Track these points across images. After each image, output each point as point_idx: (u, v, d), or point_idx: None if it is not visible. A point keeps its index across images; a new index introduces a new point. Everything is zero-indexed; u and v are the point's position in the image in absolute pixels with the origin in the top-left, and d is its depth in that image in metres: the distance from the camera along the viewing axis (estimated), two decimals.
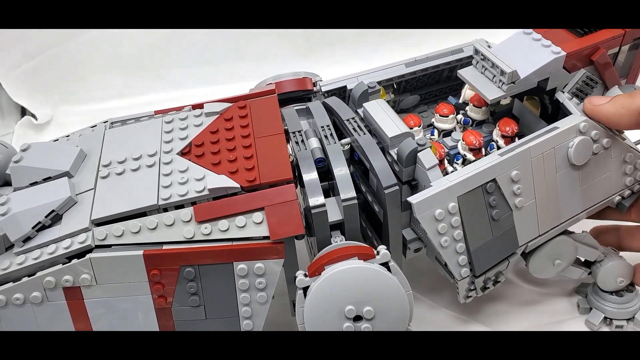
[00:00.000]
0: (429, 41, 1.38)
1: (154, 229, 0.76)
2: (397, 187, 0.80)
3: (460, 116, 0.98)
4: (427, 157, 0.81)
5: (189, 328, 0.80)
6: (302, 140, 0.87)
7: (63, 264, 0.75)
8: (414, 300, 0.77)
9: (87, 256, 0.74)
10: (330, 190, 0.87)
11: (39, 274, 0.75)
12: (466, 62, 1.00)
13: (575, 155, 0.86)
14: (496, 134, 0.93)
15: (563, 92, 0.90)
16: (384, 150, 0.85)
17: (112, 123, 0.93)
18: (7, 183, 0.85)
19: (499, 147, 0.92)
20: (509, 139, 0.92)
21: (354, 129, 0.87)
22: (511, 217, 0.85)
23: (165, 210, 0.78)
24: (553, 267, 0.95)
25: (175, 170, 0.81)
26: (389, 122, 0.86)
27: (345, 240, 0.81)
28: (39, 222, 0.76)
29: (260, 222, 0.76)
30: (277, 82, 0.99)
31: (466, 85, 0.96)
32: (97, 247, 0.76)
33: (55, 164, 0.82)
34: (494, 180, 0.82)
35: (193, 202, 0.78)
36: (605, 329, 1.01)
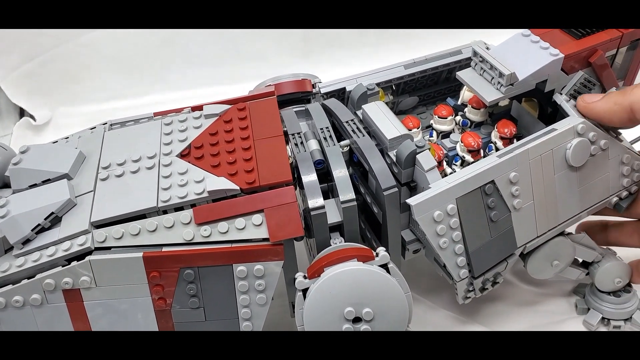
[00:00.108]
0: (429, 42, 1.38)
1: (154, 231, 0.76)
2: (396, 189, 0.80)
3: (458, 118, 0.98)
4: (426, 159, 0.81)
5: (189, 329, 0.80)
6: (302, 142, 0.87)
7: (62, 266, 0.75)
8: (413, 301, 0.77)
9: (87, 258, 0.74)
10: (329, 192, 0.87)
11: (38, 276, 0.75)
12: (465, 63, 1.00)
13: (573, 156, 0.86)
14: (494, 136, 0.94)
15: (561, 94, 0.90)
16: (383, 152, 0.85)
17: (111, 125, 0.92)
18: (6, 185, 0.85)
19: (497, 149, 0.92)
20: (508, 141, 0.92)
21: (353, 130, 0.87)
22: (509, 219, 0.85)
23: (165, 212, 0.78)
24: (551, 268, 0.96)
25: (175, 172, 0.81)
26: (388, 124, 0.86)
27: (345, 241, 0.81)
28: (39, 225, 0.76)
29: (260, 224, 0.76)
30: (276, 83, 0.99)
31: (465, 86, 0.96)
32: (97, 249, 0.75)
33: (54, 166, 0.82)
34: (492, 182, 0.82)
35: (192, 204, 0.78)
36: (603, 329, 1.02)
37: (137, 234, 0.76)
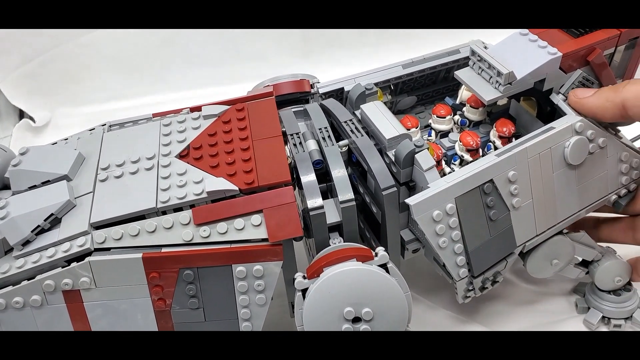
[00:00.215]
0: (428, 42, 1.37)
1: (153, 231, 0.76)
2: (395, 189, 0.81)
3: (457, 117, 0.98)
4: (425, 159, 0.81)
5: (188, 330, 0.80)
6: (300, 143, 0.87)
7: (62, 267, 0.75)
8: (413, 300, 0.77)
9: (87, 259, 0.74)
10: (328, 192, 0.87)
11: (38, 277, 0.75)
12: (463, 63, 1.00)
13: (571, 155, 0.86)
14: (493, 135, 0.94)
15: (558, 94, 0.90)
16: (382, 152, 0.85)
17: (110, 126, 0.93)
18: (6, 187, 0.85)
19: (496, 148, 0.92)
20: (506, 140, 0.92)
21: (351, 130, 0.87)
22: (509, 218, 0.85)
23: (164, 213, 0.78)
24: (551, 266, 0.96)
25: (174, 173, 0.81)
26: (387, 124, 0.86)
27: (344, 241, 0.81)
28: (38, 226, 0.76)
29: (259, 225, 0.76)
30: (274, 84, 0.99)
31: (463, 86, 0.96)
32: (96, 250, 0.76)
33: (53, 167, 0.82)
34: (491, 181, 0.82)
35: (192, 205, 0.78)
36: (604, 328, 1.02)
37: (136, 235, 0.76)
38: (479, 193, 0.82)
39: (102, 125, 0.93)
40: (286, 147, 0.86)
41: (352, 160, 0.91)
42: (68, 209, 0.78)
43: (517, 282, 1.11)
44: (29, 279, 0.76)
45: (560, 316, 1.05)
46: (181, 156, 0.83)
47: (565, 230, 0.95)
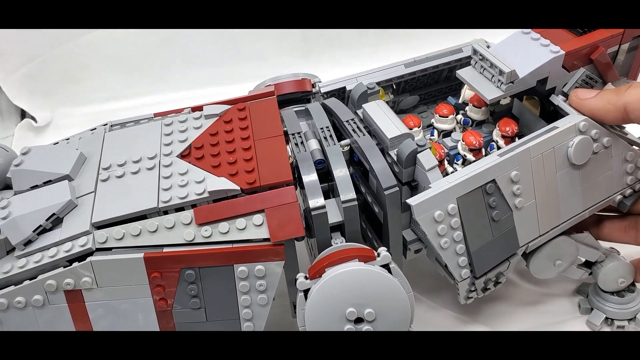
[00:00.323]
0: (428, 42, 1.37)
1: (155, 231, 0.77)
2: (397, 188, 0.81)
3: (460, 116, 0.99)
4: (427, 158, 0.82)
5: (190, 330, 0.80)
6: (302, 142, 0.88)
7: (64, 267, 0.76)
8: (415, 301, 0.78)
9: (88, 259, 0.75)
10: (330, 191, 0.88)
11: (40, 277, 0.76)
12: (465, 62, 1.01)
13: (575, 154, 0.86)
14: (496, 134, 0.94)
15: (558, 95, 0.90)
16: (384, 152, 0.86)
17: (111, 126, 0.93)
18: (8, 186, 0.86)
19: (499, 147, 0.92)
20: (509, 139, 0.92)
21: (353, 130, 0.88)
22: (511, 218, 0.86)
23: (166, 212, 0.79)
24: (554, 267, 0.96)
25: (175, 172, 0.81)
26: (389, 123, 0.86)
27: (346, 241, 0.81)
28: (40, 226, 0.77)
29: (261, 224, 0.77)
30: (276, 83, 1.00)
31: (465, 85, 0.96)
32: (98, 250, 0.76)
33: (55, 167, 0.83)
34: (493, 181, 0.83)
35: (193, 205, 0.79)
36: (607, 329, 1.02)
37: (138, 235, 0.77)
38: (481, 193, 0.82)
39: (104, 125, 0.93)
40: (288, 146, 0.86)
41: (354, 159, 0.91)
42: (70, 209, 0.79)
43: (519, 282, 1.11)
44: (30, 279, 0.76)
45: (563, 317, 1.05)
46: (183, 156, 0.84)
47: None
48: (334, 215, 0.81)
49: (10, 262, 0.77)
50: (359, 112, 0.93)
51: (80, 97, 1.67)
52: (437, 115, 0.98)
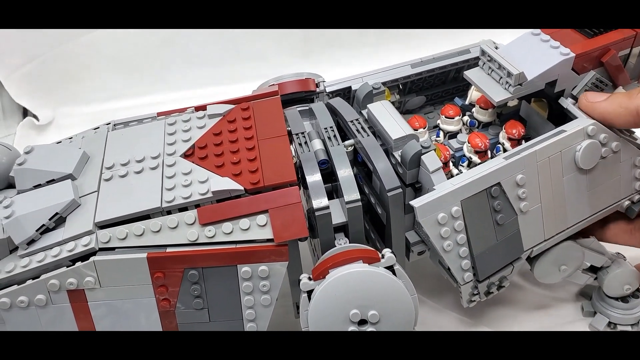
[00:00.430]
0: (428, 42, 1.41)
1: (158, 231, 0.79)
2: (400, 190, 0.83)
3: (466, 118, 1.00)
4: (431, 160, 0.83)
5: (193, 330, 0.82)
6: (305, 142, 0.90)
7: (67, 267, 0.78)
8: (419, 302, 0.79)
9: (91, 259, 0.77)
10: (333, 192, 0.89)
11: (43, 276, 0.78)
12: (473, 63, 1.03)
13: (582, 159, 0.88)
14: (502, 137, 0.95)
15: (567, 98, 0.91)
16: (388, 152, 0.87)
17: (114, 125, 0.95)
18: (11, 185, 0.88)
19: (505, 150, 0.93)
20: (516, 142, 0.93)
21: (357, 130, 0.89)
22: (516, 222, 0.87)
23: (169, 212, 0.81)
24: (559, 272, 0.98)
25: (179, 172, 0.83)
26: (393, 124, 0.88)
27: (350, 242, 0.83)
28: (43, 225, 0.79)
29: (264, 225, 0.79)
30: (279, 83, 1.01)
31: (473, 86, 0.97)
32: (101, 249, 0.78)
33: (58, 166, 0.85)
34: (498, 184, 0.84)
35: (197, 205, 0.81)
36: None
37: (141, 235, 0.79)
38: (485, 196, 0.84)
39: (107, 124, 0.95)
40: (291, 146, 0.88)
41: (358, 160, 0.92)
42: (73, 208, 0.81)
43: (523, 284, 1.13)
44: (33, 278, 0.78)
45: (566, 319, 1.08)
46: (186, 155, 0.86)
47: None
48: (338, 216, 0.83)
49: (13, 262, 0.79)
50: (364, 112, 0.94)
51: (80, 96, 1.70)
52: (443, 116, 0.99)
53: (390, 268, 0.77)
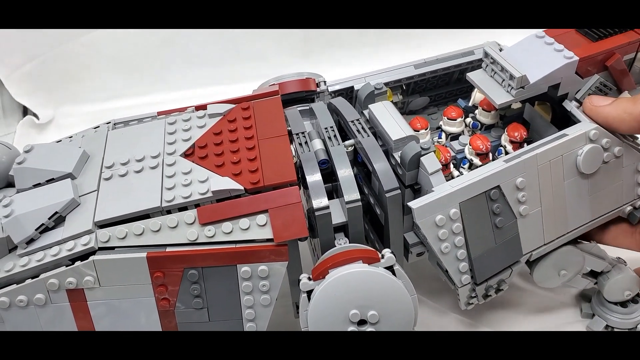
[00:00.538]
0: (428, 42, 1.45)
1: (157, 231, 0.81)
2: (398, 191, 0.84)
3: (469, 119, 1.02)
4: (430, 162, 0.85)
5: (192, 330, 0.85)
6: (306, 142, 0.92)
7: (66, 266, 0.80)
8: (419, 303, 0.81)
9: (91, 258, 0.79)
10: (333, 192, 0.91)
11: (42, 276, 0.80)
12: (477, 64, 1.05)
13: (584, 163, 0.89)
14: (504, 139, 0.97)
15: (572, 101, 0.92)
16: (388, 153, 0.89)
17: (114, 124, 0.97)
18: (11, 184, 0.90)
19: (507, 153, 0.96)
20: (517, 145, 0.95)
21: (357, 130, 0.91)
22: (515, 225, 0.89)
23: (169, 212, 0.82)
24: (558, 277, 1.00)
25: (179, 172, 0.85)
26: (394, 125, 0.90)
27: (349, 242, 0.85)
28: (42, 224, 0.81)
29: (264, 225, 0.81)
30: (280, 82, 1.04)
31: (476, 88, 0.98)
32: (100, 249, 0.80)
33: (58, 165, 0.87)
34: (498, 187, 0.86)
35: (196, 204, 0.82)
36: None
37: (140, 234, 0.81)
38: (484, 199, 0.86)
39: (107, 124, 0.97)
40: (292, 146, 0.90)
41: (358, 160, 0.94)
42: (72, 208, 0.83)
43: (524, 285, 1.15)
44: (32, 278, 0.80)
45: (566, 320, 1.10)
46: (186, 155, 0.88)
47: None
48: (338, 216, 0.85)
49: (12, 261, 0.81)
50: (365, 112, 0.96)
51: (80, 96, 1.73)
52: (446, 117, 1.01)
53: (390, 268, 0.79)
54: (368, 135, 0.90)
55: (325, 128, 0.93)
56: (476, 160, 0.96)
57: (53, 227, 0.83)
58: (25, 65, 1.69)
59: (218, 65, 1.78)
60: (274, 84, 1.04)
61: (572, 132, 0.90)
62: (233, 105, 0.95)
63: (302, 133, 0.94)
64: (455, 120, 1.01)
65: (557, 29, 0.94)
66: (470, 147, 0.96)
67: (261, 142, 0.89)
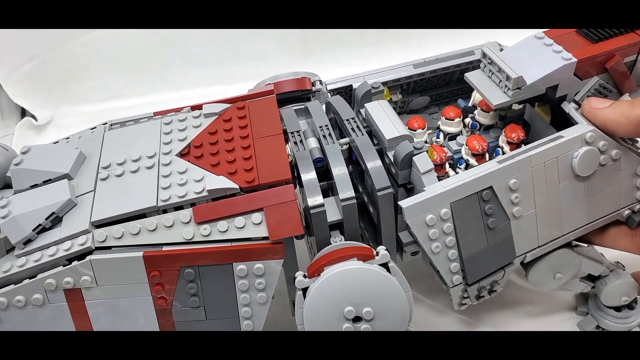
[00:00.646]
0: (428, 42, 1.47)
1: (154, 230, 0.83)
2: (390, 190, 0.86)
3: (468, 120, 1.04)
4: (422, 161, 0.87)
5: (189, 329, 0.87)
6: (301, 141, 0.93)
7: (64, 266, 0.82)
8: (415, 301, 0.82)
9: (88, 258, 0.81)
10: (329, 190, 0.93)
11: (39, 276, 0.82)
12: (476, 65, 1.05)
13: (579, 165, 0.91)
14: (502, 140, 0.99)
15: (570, 102, 0.94)
16: (383, 152, 0.91)
17: (111, 125, 1.00)
18: (8, 185, 0.92)
19: (504, 154, 0.96)
20: (515, 146, 0.97)
21: (352, 129, 0.93)
22: (508, 227, 0.91)
23: (165, 211, 0.85)
24: (554, 280, 1.01)
25: (175, 171, 0.87)
26: (389, 124, 0.92)
27: (345, 240, 0.87)
28: (40, 225, 0.84)
29: (260, 223, 0.83)
30: (275, 82, 1.06)
31: None
32: (97, 249, 0.83)
33: (55, 166, 0.89)
34: (490, 188, 0.87)
35: (192, 203, 0.85)
36: None
37: (137, 234, 0.83)
38: (476, 200, 0.87)
39: (104, 124, 0.99)
40: (287, 145, 0.93)
41: (353, 159, 0.97)
42: (69, 208, 0.85)
43: (522, 284, 1.17)
44: (30, 278, 0.82)
45: (564, 319, 1.12)
46: (182, 154, 0.90)
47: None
48: (333, 214, 0.87)
49: (9, 261, 0.83)
50: (362, 111, 0.98)
51: (80, 96, 1.76)
52: (444, 117, 1.03)
53: (384, 265, 0.81)
54: (362, 134, 0.92)
55: (320, 127, 0.94)
56: (472, 161, 0.97)
57: (50, 228, 0.85)
58: (25, 65, 1.72)
59: (218, 65, 1.81)
60: (269, 84, 1.06)
61: (568, 134, 0.91)
62: (228, 105, 0.97)
63: (297, 132, 0.95)
64: (453, 120, 1.03)
65: (557, 30, 0.95)
66: (467, 147, 0.97)
67: (256, 141, 0.91)
